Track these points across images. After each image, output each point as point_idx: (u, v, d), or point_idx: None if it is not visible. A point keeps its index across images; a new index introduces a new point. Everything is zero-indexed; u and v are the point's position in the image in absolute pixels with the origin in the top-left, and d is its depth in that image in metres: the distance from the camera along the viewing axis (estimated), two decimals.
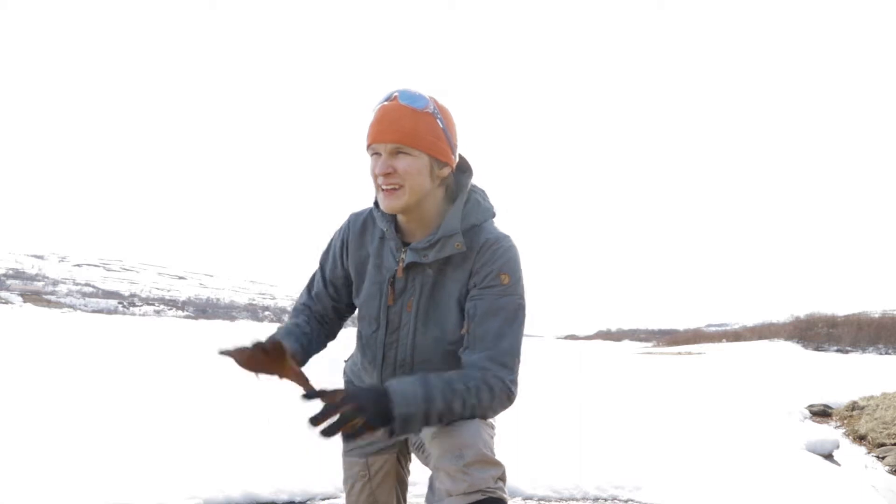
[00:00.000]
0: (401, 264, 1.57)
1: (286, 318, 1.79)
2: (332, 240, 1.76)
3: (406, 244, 1.58)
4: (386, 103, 1.52)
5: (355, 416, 1.24)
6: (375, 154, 1.52)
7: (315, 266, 1.80)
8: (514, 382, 1.46)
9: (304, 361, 1.60)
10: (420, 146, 1.49)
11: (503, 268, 1.51)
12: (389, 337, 1.61)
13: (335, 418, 1.23)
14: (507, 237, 1.56)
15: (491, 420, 1.52)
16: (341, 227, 1.74)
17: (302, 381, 1.34)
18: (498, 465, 1.38)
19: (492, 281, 1.50)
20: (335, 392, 1.27)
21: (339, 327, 1.82)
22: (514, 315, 1.50)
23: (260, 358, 1.33)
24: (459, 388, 1.37)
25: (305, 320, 1.71)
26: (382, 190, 1.51)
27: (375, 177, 1.52)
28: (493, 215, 1.60)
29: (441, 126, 1.53)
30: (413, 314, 1.57)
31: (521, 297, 1.52)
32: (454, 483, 1.33)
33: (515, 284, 1.52)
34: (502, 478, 1.39)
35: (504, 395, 1.43)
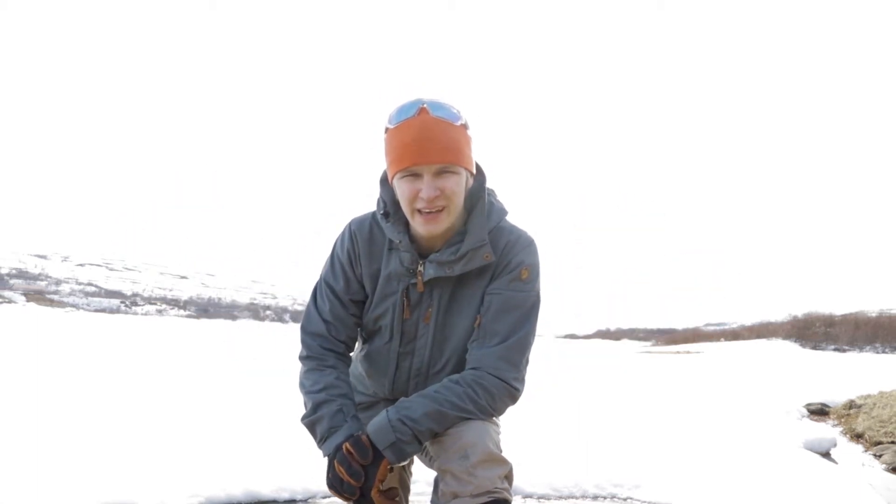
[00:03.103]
0: (420, 277, 1.47)
1: (302, 360, 1.55)
2: (334, 254, 1.59)
3: (422, 256, 1.49)
4: (414, 117, 1.36)
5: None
6: (413, 176, 1.37)
7: (316, 284, 1.60)
8: (519, 380, 1.43)
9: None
10: (464, 163, 1.40)
11: (524, 262, 1.46)
12: (404, 348, 1.54)
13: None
14: (526, 233, 1.52)
15: (495, 418, 1.50)
16: (343, 238, 1.57)
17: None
18: (504, 462, 1.37)
19: (511, 275, 1.45)
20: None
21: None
22: (529, 311, 1.45)
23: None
24: (450, 399, 1.37)
25: (337, 376, 1.50)
26: (423, 214, 1.38)
27: (414, 200, 1.38)
28: (507, 213, 1.54)
29: (470, 136, 1.44)
30: (431, 326, 1.50)
31: (538, 294, 1.48)
32: (460, 485, 1.33)
33: (534, 280, 1.47)
34: (508, 476, 1.37)
35: (505, 394, 1.41)
